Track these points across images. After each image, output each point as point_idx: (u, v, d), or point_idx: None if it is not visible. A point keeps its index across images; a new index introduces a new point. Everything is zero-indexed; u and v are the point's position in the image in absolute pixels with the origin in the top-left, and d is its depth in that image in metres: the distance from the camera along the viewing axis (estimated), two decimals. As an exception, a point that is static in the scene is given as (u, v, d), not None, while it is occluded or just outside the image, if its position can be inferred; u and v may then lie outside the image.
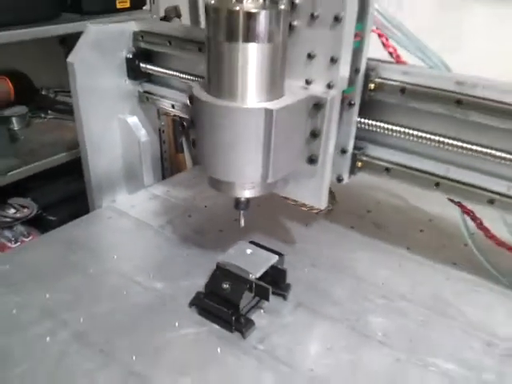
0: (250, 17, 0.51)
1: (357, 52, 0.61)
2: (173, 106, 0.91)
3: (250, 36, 0.52)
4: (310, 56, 0.59)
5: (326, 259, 0.81)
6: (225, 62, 0.53)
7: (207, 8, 0.53)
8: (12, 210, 1.57)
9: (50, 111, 1.85)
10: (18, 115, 1.70)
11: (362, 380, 0.59)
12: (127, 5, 1.70)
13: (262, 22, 0.51)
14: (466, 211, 0.74)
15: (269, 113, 0.54)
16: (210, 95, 0.57)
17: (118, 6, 1.67)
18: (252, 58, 0.53)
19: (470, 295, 0.74)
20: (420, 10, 1.26)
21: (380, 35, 0.65)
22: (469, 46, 1.22)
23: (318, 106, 0.60)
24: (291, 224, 0.90)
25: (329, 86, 0.60)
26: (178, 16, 1.91)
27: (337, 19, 0.56)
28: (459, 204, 0.73)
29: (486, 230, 0.75)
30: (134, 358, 0.60)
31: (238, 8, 0.50)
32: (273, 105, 0.55)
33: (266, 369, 0.60)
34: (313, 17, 0.57)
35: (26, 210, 1.58)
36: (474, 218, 0.75)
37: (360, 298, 0.73)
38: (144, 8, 1.78)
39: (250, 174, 0.58)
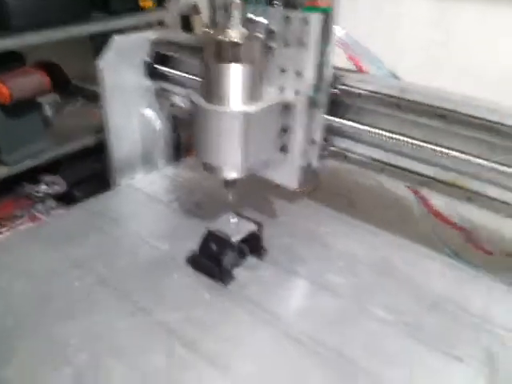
0: (235, 45, 0.69)
1: (322, 66, 0.78)
2: (183, 102, 1.09)
3: (234, 59, 0.69)
4: (282, 70, 0.77)
5: (302, 230, 0.99)
6: (215, 76, 0.71)
7: (202, 36, 0.71)
8: (44, 186, 1.78)
9: (79, 98, 2.05)
10: (50, 102, 1.91)
11: (316, 318, 0.77)
12: (150, 4, 1.87)
13: (244, 49, 0.69)
14: (414, 191, 0.91)
15: (247, 114, 0.72)
16: (205, 100, 0.75)
17: (142, 5, 1.84)
18: (236, 74, 0.70)
19: (414, 261, 0.92)
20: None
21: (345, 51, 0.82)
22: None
23: (287, 107, 0.77)
24: (276, 201, 1.08)
25: (296, 93, 0.77)
26: (197, 13, 2.07)
27: (301, 43, 0.73)
28: (408, 186, 0.90)
29: (430, 207, 0.91)
30: (141, 298, 0.80)
31: (223, 38, 0.68)
32: (250, 108, 0.72)
33: (242, 311, 0.78)
34: (285, 41, 0.75)
35: (56, 187, 1.79)
36: (420, 198, 0.91)
37: (324, 261, 0.90)
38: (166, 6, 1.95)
39: (233, 160, 0.76)
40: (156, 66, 1.10)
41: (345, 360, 0.70)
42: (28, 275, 0.84)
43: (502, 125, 0.69)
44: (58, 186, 1.80)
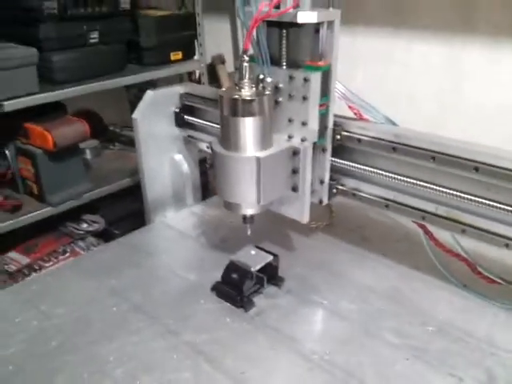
0: (246, 102, 0.81)
1: (324, 116, 0.90)
2: (207, 147, 1.22)
3: (246, 113, 0.81)
4: (289, 120, 0.89)
5: (317, 262, 1.08)
6: (231, 128, 0.83)
7: (220, 95, 0.83)
8: (85, 225, 1.93)
9: (116, 143, 2.23)
10: (91, 147, 2.09)
11: (328, 341, 0.86)
12: (180, 56, 2.05)
13: (255, 105, 0.81)
14: (420, 226, 0.99)
15: (258, 159, 0.83)
16: (223, 148, 0.87)
17: (172, 58, 2.02)
18: (249, 126, 0.83)
19: (422, 290, 0.99)
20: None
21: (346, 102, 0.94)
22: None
23: (295, 152, 0.89)
24: (294, 235, 1.18)
25: (302, 140, 0.88)
26: (223, 62, 2.24)
27: (305, 98, 0.85)
28: (414, 221, 0.98)
29: (435, 240, 0.99)
30: (171, 321, 0.90)
31: (237, 97, 0.81)
32: (261, 154, 0.84)
33: (259, 332, 0.88)
34: (290, 96, 0.86)
35: (96, 225, 1.94)
36: (426, 232, 0.99)
37: (336, 289, 0.99)
38: (194, 58, 2.13)
39: (250, 198, 0.87)
40: (184, 116, 1.24)
41: (354, 379, 0.78)
42: (69, 302, 0.96)
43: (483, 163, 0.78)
44: (98, 224, 1.95)
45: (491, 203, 0.79)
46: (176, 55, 2.03)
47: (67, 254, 1.81)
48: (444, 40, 1.59)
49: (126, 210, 1.98)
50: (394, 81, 1.75)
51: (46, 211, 1.69)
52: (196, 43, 2.09)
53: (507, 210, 0.77)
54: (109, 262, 1.09)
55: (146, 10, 2.04)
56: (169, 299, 0.97)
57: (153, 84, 1.92)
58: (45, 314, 0.92)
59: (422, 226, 0.98)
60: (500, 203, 0.78)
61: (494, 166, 0.77)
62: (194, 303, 0.95)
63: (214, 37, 2.18)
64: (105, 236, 1.92)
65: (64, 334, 0.88)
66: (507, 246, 0.81)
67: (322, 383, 0.77)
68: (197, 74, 2.20)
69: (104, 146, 2.20)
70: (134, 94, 2.12)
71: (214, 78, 2.20)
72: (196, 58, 2.13)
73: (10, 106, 1.49)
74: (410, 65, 1.69)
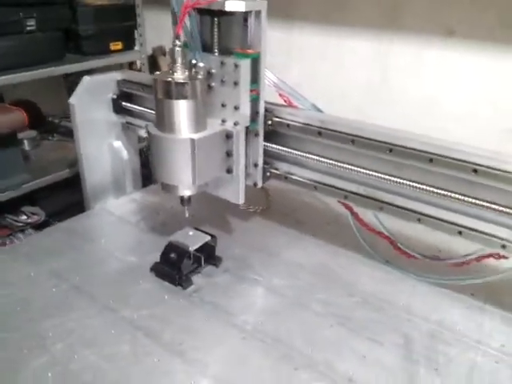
0: (179, 85, 0.85)
1: (255, 101, 0.95)
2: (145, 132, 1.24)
3: (179, 95, 0.85)
4: (222, 105, 0.93)
5: (253, 243, 1.14)
6: (165, 110, 0.87)
7: (154, 79, 0.86)
8: (24, 217, 1.89)
9: (55, 134, 2.19)
10: (29, 138, 2.05)
11: (259, 312, 0.91)
12: (119, 47, 2.05)
13: (188, 88, 0.85)
14: (346, 206, 1.07)
15: (192, 141, 0.87)
16: (159, 130, 0.90)
17: (112, 48, 2.02)
18: (182, 108, 0.86)
19: (348, 265, 1.07)
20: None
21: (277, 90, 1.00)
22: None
23: (228, 136, 0.93)
24: (233, 219, 1.23)
25: (235, 124, 0.93)
26: (164, 54, 2.26)
27: (236, 83, 0.89)
28: (340, 201, 1.05)
29: (360, 220, 1.07)
30: (111, 301, 0.93)
31: (170, 80, 0.84)
32: (196, 136, 0.88)
33: (196, 307, 0.92)
34: (222, 81, 0.91)
35: (35, 217, 1.91)
36: (352, 212, 1.07)
37: (270, 268, 1.05)
38: (135, 48, 2.13)
39: (186, 179, 0.91)
40: (122, 102, 1.25)
41: (282, 344, 0.84)
42: (8, 284, 0.96)
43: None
44: (37, 216, 1.91)
45: (404, 181, 0.87)
46: (116, 45, 2.03)
47: (6, 246, 1.77)
48: (372, 35, 1.69)
49: (66, 202, 1.95)
50: (326, 75, 1.84)
51: (-18, 202, 1.65)
52: (136, 34, 2.10)
53: (418, 188, 0.86)
54: (48, 247, 1.09)
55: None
56: (108, 280, 0.99)
57: (93, 73, 1.90)
58: (-18, 297, 0.92)
59: (348, 207, 1.06)
60: (411, 181, 0.86)
61: (405, 148, 0.85)
62: (133, 283, 0.98)
63: (156, 28, 2.19)
64: (45, 228, 1.89)
65: (3, 313, 0.88)
66: (419, 220, 0.90)
67: (254, 350, 0.83)
68: (138, 65, 2.20)
69: (43, 137, 2.15)
70: (73, 84, 2.09)
71: (155, 69, 2.21)
72: (136, 48, 2.13)
73: None
74: (342, 59, 1.78)
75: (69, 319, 0.87)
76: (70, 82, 2.15)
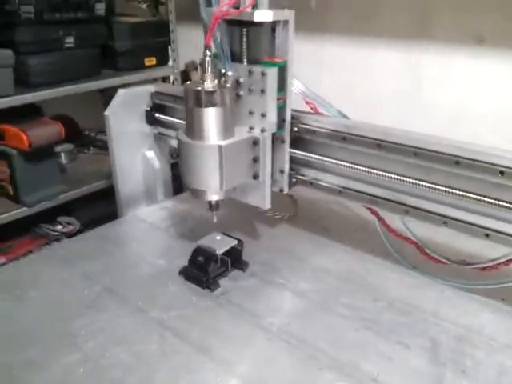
0: (208, 93, 0.88)
1: (282, 109, 0.98)
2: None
3: (208, 103, 0.89)
4: (250, 113, 0.96)
5: (280, 248, 1.15)
6: (195, 118, 0.90)
7: (184, 87, 0.90)
8: (59, 226, 1.97)
9: (91, 148, 2.27)
10: (66, 151, 2.13)
11: (285, 315, 0.92)
12: (153, 62, 2.12)
13: (216, 96, 0.88)
14: (373, 212, 1.07)
15: (220, 147, 0.90)
16: (188, 137, 0.94)
17: (146, 63, 2.09)
18: (211, 116, 0.90)
19: (375, 271, 1.07)
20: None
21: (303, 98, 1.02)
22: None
23: (255, 142, 0.96)
24: (260, 225, 1.25)
25: (262, 131, 0.96)
26: (196, 68, 2.32)
27: (263, 91, 0.92)
28: (367, 207, 1.06)
29: (386, 226, 1.07)
30: (140, 302, 0.96)
31: (200, 88, 0.88)
32: (223, 142, 0.91)
33: (223, 309, 0.94)
34: (250, 90, 0.94)
35: (70, 227, 1.98)
36: (378, 218, 1.08)
37: (297, 272, 1.06)
38: (168, 64, 2.20)
39: (213, 184, 0.94)
40: (155, 113, 1.30)
41: (308, 345, 0.85)
42: (42, 286, 1.01)
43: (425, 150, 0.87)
44: (72, 225, 1.99)
45: (429, 185, 0.87)
46: (150, 61, 2.10)
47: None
48: (403, 46, 1.70)
49: (101, 212, 2.00)
50: (358, 85, 1.85)
51: (20, 212, 1.72)
52: (170, 50, 2.17)
53: (443, 191, 0.86)
54: (81, 251, 1.14)
55: (120, 17, 2.11)
56: (138, 282, 1.02)
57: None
58: (19, 297, 0.97)
59: (375, 213, 1.06)
60: (437, 184, 0.87)
61: (429, 151, 0.85)
62: (162, 285, 1.01)
63: (188, 44, 2.25)
64: (79, 237, 1.96)
65: (37, 313, 0.92)
66: (445, 223, 0.90)
67: (278, 350, 0.84)
68: (171, 80, 2.27)
69: (79, 150, 2.24)
70: (109, 99, 2.17)
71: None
72: (170, 64, 2.20)
73: (-15, 107, 1.53)
74: (373, 69, 1.80)
75: (100, 319, 0.91)
76: (107, 97, 2.24)
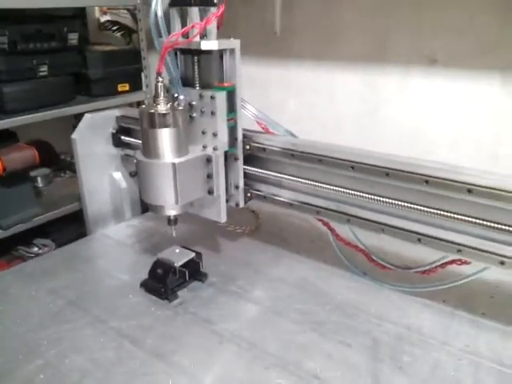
0: (161, 115, 0.95)
1: (233, 129, 1.05)
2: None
3: (162, 125, 0.96)
4: (203, 132, 1.03)
5: (238, 260, 1.22)
6: (150, 138, 0.97)
7: (140, 111, 0.98)
8: (35, 248, 2.00)
9: (67, 171, 2.32)
10: (42, 175, 2.19)
11: (239, 321, 0.98)
12: (127, 88, 2.20)
13: (169, 118, 0.96)
14: (324, 223, 1.14)
15: (174, 164, 0.97)
16: (145, 157, 1.00)
17: (120, 89, 2.17)
18: (165, 136, 0.97)
19: (326, 278, 1.14)
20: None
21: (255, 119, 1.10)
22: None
23: (209, 160, 1.03)
24: (221, 239, 1.32)
25: (215, 149, 1.03)
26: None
27: (213, 113, 1.00)
28: (318, 219, 1.13)
29: (337, 235, 1.14)
30: (101, 313, 1.01)
31: (153, 111, 0.95)
32: (177, 160, 0.98)
33: (179, 316, 1.00)
34: (202, 112, 1.02)
35: (46, 248, 2.01)
36: (329, 228, 1.15)
37: (253, 282, 1.12)
38: (142, 89, 2.28)
39: (169, 199, 1.01)
40: (121, 136, 1.37)
41: (257, 348, 0.91)
42: (10, 300, 1.06)
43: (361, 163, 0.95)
44: (48, 247, 2.02)
45: (365, 195, 0.95)
46: (123, 87, 2.18)
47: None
48: (361, 68, 1.80)
49: (75, 234, 2.04)
50: (321, 107, 1.94)
51: (-4, 234, 1.76)
52: (142, 75, 2.25)
53: (377, 200, 0.93)
54: (49, 267, 1.19)
55: (94, 45, 2.19)
56: (101, 295, 1.08)
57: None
58: (-14, 311, 1.02)
59: (326, 224, 1.14)
60: (371, 194, 0.94)
61: (364, 164, 0.93)
62: (124, 298, 1.06)
63: (160, 70, 2.33)
64: (54, 258, 1.99)
65: (3, 325, 0.97)
66: (383, 230, 0.97)
67: (229, 353, 0.90)
68: (145, 104, 2.34)
69: (55, 174, 2.29)
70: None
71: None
72: (143, 89, 2.27)
73: (-41, 133, 1.59)
74: (334, 91, 1.89)
75: (62, 329, 0.96)
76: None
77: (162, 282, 1.05)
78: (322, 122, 1.91)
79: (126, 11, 2.39)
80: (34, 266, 1.21)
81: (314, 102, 1.96)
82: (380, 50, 1.75)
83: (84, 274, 1.16)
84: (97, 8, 2.48)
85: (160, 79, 0.96)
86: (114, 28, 2.42)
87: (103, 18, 2.47)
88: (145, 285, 1.09)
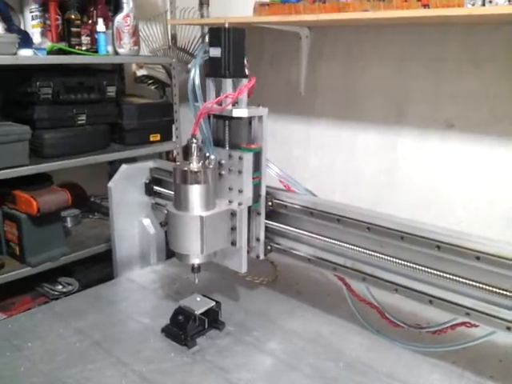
0: (194, 173, 1.04)
1: (257, 186, 1.13)
2: (170, 212, 1.44)
3: (193, 181, 1.04)
4: (230, 189, 1.12)
5: (255, 310, 1.26)
6: (181, 193, 1.06)
7: (173, 168, 1.07)
8: (60, 286, 2.08)
9: (96, 213, 2.43)
10: (71, 215, 2.29)
11: (253, 371, 1.02)
12: (158, 138, 2.32)
13: (200, 175, 1.05)
14: (339, 279, 1.19)
15: (202, 218, 1.05)
16: (176, 209, 1.09)
17: (151, 139, 2.29)
18: (195, 191, 1.05)
19: (339, 333, 1.17)
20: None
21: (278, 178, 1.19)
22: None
23: (233, 214, 1.11)
24: (241, 289, 1.37)
25: (239, 204, 1.11)
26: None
27: (240, 172, 1.09)
28: (334, 274, 1.18)
29: (352, 291, 1.19)
30: (123, 355, 1.06)
31: (186, 169, 1.04)
32: (205, 213, 1.06)
33: (196, 363, 1.04)
34: (230, 170, 1.11)
35: (70, 287, 2.09)
36: (344, 283, 1.19)
37: (268, 333, 1.17)
38: (172, 140, 2.40)
39: (195, 249, 1.08)
40: (153, 186, 1.47)
41: (270, 400, 0.95)
42: (39, 338, 1.12)
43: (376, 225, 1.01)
44: (72, 286, 2.10)
45: (382, 256, 1.00)
46: (155, 137, 2.30)
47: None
48: (381, 129, 1.89)
49: (99, 274, 2.11)
50: (342, 164, 2.03)
51: (24, 271, 1.84)
52: (173, 127, 2.38)
53: (393, 262, 0.99)
54: (76, 308, 1.26)
55: (130, 98, 2.34)
56: (124, 338, 1.13)
57: (134, 161, 2.16)
58: (17, 347, 1.08)
59: (341, 279, 1.19)
60: (388, 256, 1.00)
61: (380, 226, 0.99)
62: (145, 341, 1.12)
63: (190, 122, 2.45)
64: (77, 297, 2.06)
65: (31, 362, 1.03)
66: (396, 290, 1.02)
67: (242, 401, 0.94)
68: (174, 154, 2.47)
69: (85, 215, 2.39)
70: (116, 170, 2.35)
71: (188, 157, 2.46)
72: (173, 139, 2.40)
73: (1, 175, 1.70)
74: (354, 150, 1.98)
75: (87, 369, 1.01)
76: (115, 167, 2.43)
77: (183, 328, 1.11)
78: (342, 177, 1.99)
79: (160, 66, 2.56)
80: (61, 306, 1.28)
81: (334, 159, 2.04)
82: (399, 112, 1.84)
83: (109, 315, 1.23)
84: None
85: (194, 140, 1.06)
86: (150, 82, 2.58)
87: (139, 72, 2.64)
88: (166, 330, 1.14)
